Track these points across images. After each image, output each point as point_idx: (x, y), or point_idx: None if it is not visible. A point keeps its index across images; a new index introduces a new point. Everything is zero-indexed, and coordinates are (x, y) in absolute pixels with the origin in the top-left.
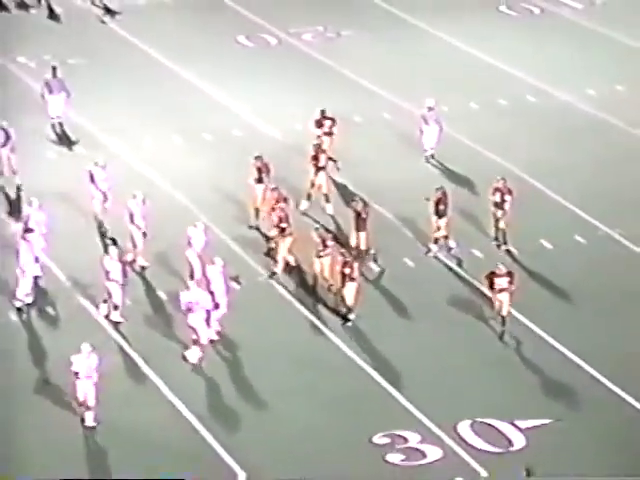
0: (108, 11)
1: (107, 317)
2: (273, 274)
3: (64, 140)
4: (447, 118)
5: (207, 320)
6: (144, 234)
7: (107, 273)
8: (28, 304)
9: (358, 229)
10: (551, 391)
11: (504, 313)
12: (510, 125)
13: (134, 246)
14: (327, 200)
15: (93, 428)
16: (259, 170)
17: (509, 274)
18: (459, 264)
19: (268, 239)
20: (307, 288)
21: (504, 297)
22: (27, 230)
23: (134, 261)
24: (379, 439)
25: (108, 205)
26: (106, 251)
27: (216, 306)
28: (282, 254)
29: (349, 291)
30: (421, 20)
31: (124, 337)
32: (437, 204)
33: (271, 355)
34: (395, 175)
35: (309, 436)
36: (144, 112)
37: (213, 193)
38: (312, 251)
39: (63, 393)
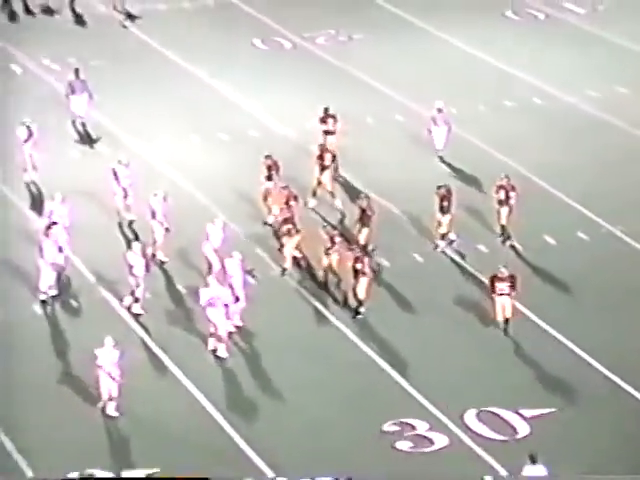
0: (129, 16)
1: (129, 309)
2: (284, 270)
3: (86, 139)
4: (455, 119)
5: (227, 314)
6: (167, 230)
7: (130, 267)
8: (52, 297)
9: (362, 225)
10: (554, 382)
11: (508, 315)
12: (516, 126)
13: (154, 241)
14: (333, 196)
15: (115, 417)
16: (269, 168)
17: (511, 277)
18: (463, 257)
19: (279, 236)
20: (318, 283)
21: (506, 300)
22: (49, 226)
23: (154, 256)
24: (389, 427)
25: (130, 202)
26: (129, 246)
27: (236, 299)
28: (289, 251)
29: (361, 285)
30: (430, 25)
31: (145, 329)
32: (442, 201)
33: (285, 347)
34: (405, 174)
35: (322, 425)
36: (163, 112)
37: (229, 191)
38: (321, 247)
39: (86, 384)
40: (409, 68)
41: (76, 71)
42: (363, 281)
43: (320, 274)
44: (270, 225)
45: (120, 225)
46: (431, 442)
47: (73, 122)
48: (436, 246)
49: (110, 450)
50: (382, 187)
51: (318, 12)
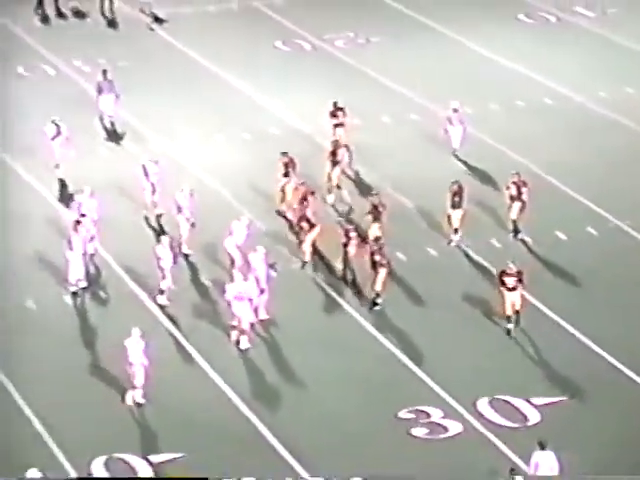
0: (156, 19)
1: (168, 304)
2: (304, 264)
3: (114, 137)
4: (469, 119)
5: (251, 307)
6: (192, 224)
7: (158, 260)
8: (83, 288)
9: (373, 220)
10: (564, 371)
11: (518, 308)
12: (528, 125)
13: (180, 235)
14: (339, 188)
15: (141, 405)
16: (286, 165)
17: (519, 273)
18: (476, 252)
19: (296, 231)
20: (336, 275)
21: (515, 295)
22: (78, 221)
23: (179, 249)
24: (404, 414)
25: (156, 198)
26: (157, 240)
27: (261, 291)
28: (307, 245)
29: (379, 277)
30: (446, 27)
31: (171, 320)
32: (453, 196)
33: (304, 338)
34: (420, 171)
35: (341, 412)
36: (188, 112)
37: (251, 187)
38: (337, 241)
39: (114, 372)
40: (424, 69)
41: (104, 72)
42: (382, 272)
43: (338, 267)
44: (284, 217)
45: (147, 219)
46: (445, 429)
47: (101, 120)
48: (450, 241)
49: (137, 435)
50: (398, 183)
51: (337, 15)
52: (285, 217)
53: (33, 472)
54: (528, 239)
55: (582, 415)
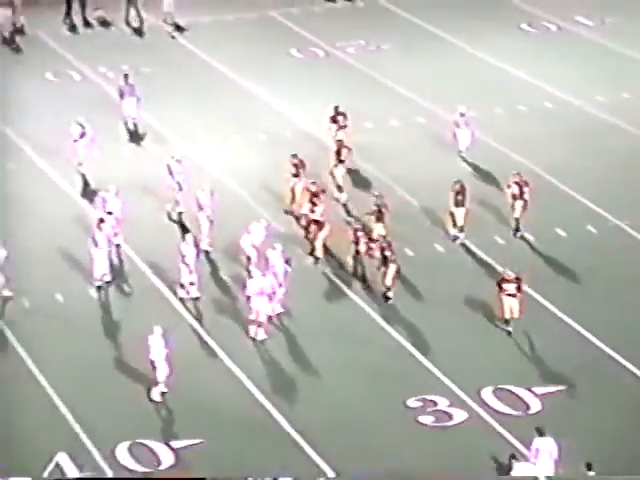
0: (177, 28)
1: (187, 297)
2: (317, 260)
3: (136, 138)
4: (475, 122)
5: (269, 301)
6: (211, 222)
7: (183, 256)
8: (107, 282)
9: (377, 220)
10: (563, 362)
11: (515, 315)
12: (530, 128)
13: (200, 233)
14: (340, 190)
15: (160, 402)
16: (296, 166)
17: (517, 279)
18: (468, 251)
19: (306, 233)
20: (347, 271)
21: (513, 301)
22: (102, 219)
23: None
24: (412, 403)
25: (179, 197)
26: (183, 237)
27: (279, 285)
28: (319, 243)
29: (389, 272)
30: (452, 36)
31: (192, 314)
32: (456, 195)
33: (317, 330)
34: (427, 171)
35: (353, 400)
36: (207, 115)
37: (266, 186)
38: (346, 238)
39: (137, 363)
40: (432, 75)
41: (125, 76)
42: (392, 268)
43: (349, 262)
44: (294, 216)
45: (169, 216)
46: (451, 417)
47: (125, 123)
48: (455, 238)
49: (159, 422)
50: (405, 183)
51: (349, 24)
52: (295, 216)
53: (62, 455)
54: (530, 236)
55: (580, 403)
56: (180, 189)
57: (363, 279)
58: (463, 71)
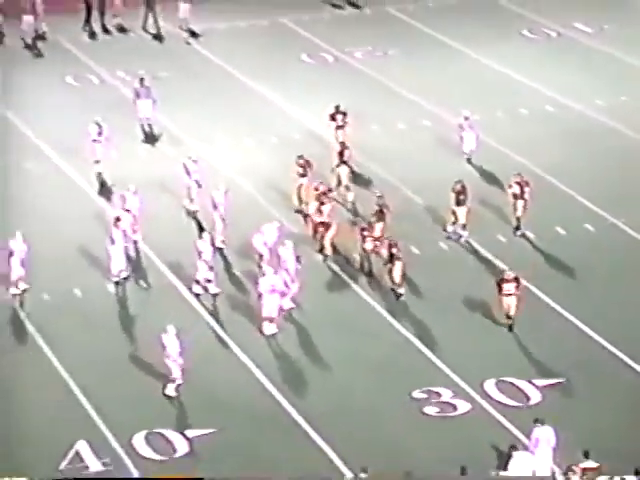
0: (192, 34)
1: (205, 292)
2: (326, 257)
3: (151, 139)
4: (478, 124)
5: (282, 298)
6: (223, 220)
7: (200, 253)
8: (124, 278)
9: (378, 220)
10: (562, 355)
11: (512, 314)
12: (531, 130)
13: (215, 231)
14: (347, 189)
15: (173, 397)
16: (303, 167)
17: (516, 279)
18: (469, 247)
19: (315, 231)
20: (355, 268)
21: (511, 300)
22: (118, 218)
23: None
24: (417, 394)
25: (194, 195)
26: (200, 235)
27: (292, 280)
28: (327, 242)
29: (396, 269)
30: (456, 42)
31: (206, 309)
32: (458, 195)
33: (326, 324)
34: (433, 172)
35: (360, 391)
36: (221, 118)
37: (276, 186)
38: (353, 236)
39: (153, 357)
40: (436, 80)
41: (141, 79)
42: (398, 265)
43: (356, 259)
44: (301, 213)
45: (187, 212)
46: (455, 408)
47: (142, 126)
48: (459, 236)
49: (174, 413)
50: (411, 183)
51: (357, 31)
52: (304, 215)
53: (81, 443)
54: (530, 234)
55: (579, 395)
56: (199, 186)
57: (370, 275)
58: (466, 76)
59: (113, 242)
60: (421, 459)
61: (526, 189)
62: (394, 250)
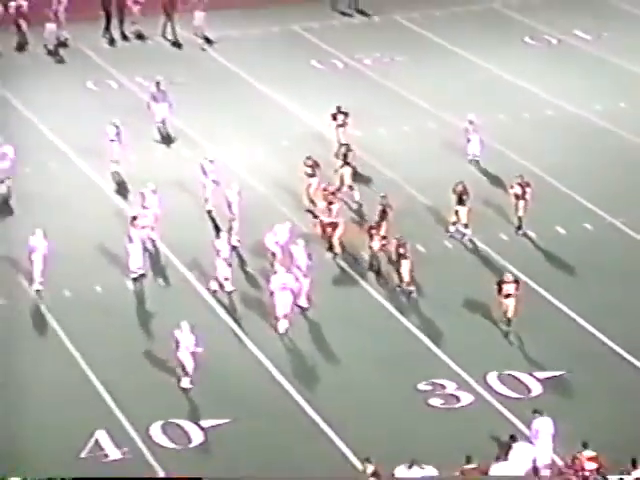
0: (207, 41)
1: (221, 289)
2: (335, 255)
3: (167, 141)
4: (480, 128)
5: (293, 296)
6: (234, 220)
7: (218, 252)
8: (142, 275)
9: (381, 219)
10: (562, 349)
11: (510, 315)
12: (532, 133)
13: (232, 229)
14: (351, 189)
15: (188, 390)
16: (311, 167)
17: (515, 282)
18: (472, 246)
19: (323, 231)
20: (363, 265)
21: (510, 302)
22: (135, 217)
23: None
24: (423, 386)
25: (208, 194)
26: (217, 235)
27: (305, 276)
28: (336, 240)
29: (404, 267)
30: (460, 48)
31: (222, 305)
32: (460, 195)
33: (336, 319)
34: (437, 173)
35: (368, 384)
36: (234, 121)
37: (287, 187)
38: (364, 235)
39: (170, 350)
40: (441, 85)
41: (157, 84)
42: (405, 263)
43: (364, 257)
44: (311, 212)
45: (209, 212)
46: (458, 399)
47: (158, 128)
48: (463, 235)
49: (190, 404)
50: (416, 183)
51: (366, 38)
52: (313, 215)
53: (101, 433)
54: (532, 233)
55: (578, 387)
56: (217, 185)
57: (378, 273)
58: (470, 81)
59: (131, 240)
60: (426, 448)
61: (527, 190)
62: (401, 250)
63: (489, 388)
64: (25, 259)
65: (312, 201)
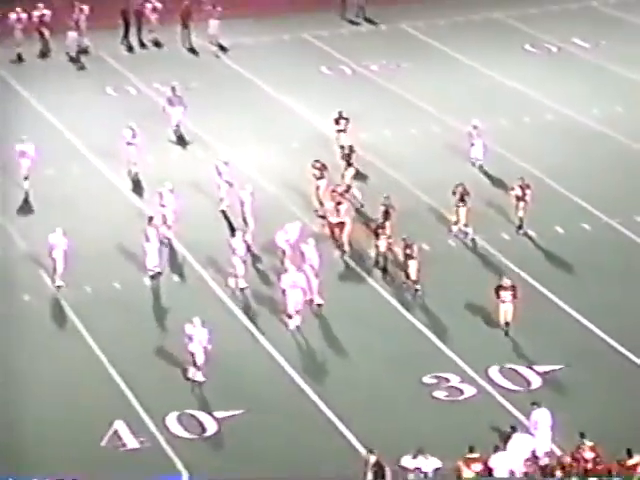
0: (221, 48)
1: (234, 287)
2: (343, 253)
3: (183, 143)
4: (483, 132)
5: (304, 294)
6: (244, 219)
7: (234, 250)
8: (159, 272)
9: (385, 219)
10: (561, 343)
11: (509, 319)
12: (532, 137)
13: (247, 227)
14: (349, 188)
15: (201, 383)
16: (320, 170)
17: (513, 287)
18: (475, 245)
19: (332, 232)
20: (370, 263)
21: (508, 307)
22: (151, 217)
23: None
24: (427, 379)
25: (223, 194)
26: (233, 234)
27: (316, 275)
28: (345, 238)
29: (411, 267)
30: (464, 55)
31: (235, 302)
32: (461, 196)
33: (344, 316)
34: (441, 174)
35: (375, 377)
36: (247, 124)
37: (297, 188)
38: (370, 234)
39: (183, 347)
40: (445, 90)
41: (173, 88)
42: (413, 264)
43: (371, 256)
44: (321, 216)
45: (223, 212)
46: (462, 392)
47: (174, 131)
48: (465, 234)
49: (204, 396)
50: (420, 183)
51: (373, 46)
52: (322, 216)
53: (119, 423)
54: (532, 233)
55: (576, 380)
56: (230, 186)
57: (385, 271)
58: (473, 86)
59: (148, 239)
60: (430, 439)
61: (527, 191)
62: (408, 250)
63: (491, 381)
64: (46, 257)
65: (321, 202)
